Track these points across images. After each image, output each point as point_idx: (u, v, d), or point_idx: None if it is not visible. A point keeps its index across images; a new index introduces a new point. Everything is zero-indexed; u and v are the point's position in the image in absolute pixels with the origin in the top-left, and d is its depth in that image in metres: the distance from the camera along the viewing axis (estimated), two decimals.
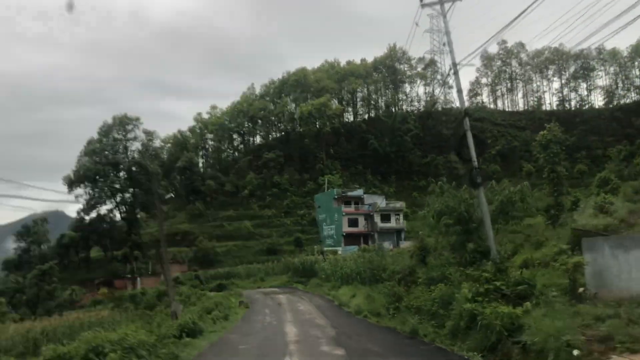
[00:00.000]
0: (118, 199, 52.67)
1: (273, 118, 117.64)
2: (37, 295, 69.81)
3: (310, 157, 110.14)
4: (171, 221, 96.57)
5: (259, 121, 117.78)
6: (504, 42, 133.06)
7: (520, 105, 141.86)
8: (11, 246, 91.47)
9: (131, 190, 52.62)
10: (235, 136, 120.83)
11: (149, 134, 53.35)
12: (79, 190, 49.23)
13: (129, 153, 49.19)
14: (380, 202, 72.91)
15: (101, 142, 49.97)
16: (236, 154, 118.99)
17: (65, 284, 79.78)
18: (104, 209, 53.23)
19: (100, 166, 48.82)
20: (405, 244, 62.62)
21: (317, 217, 77.15)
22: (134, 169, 51.38)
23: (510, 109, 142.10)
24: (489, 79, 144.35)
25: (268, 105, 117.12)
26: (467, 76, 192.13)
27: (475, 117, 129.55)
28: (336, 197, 72.34)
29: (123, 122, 50.44)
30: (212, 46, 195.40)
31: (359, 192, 75.84)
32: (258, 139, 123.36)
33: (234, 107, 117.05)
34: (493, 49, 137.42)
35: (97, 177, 48.20)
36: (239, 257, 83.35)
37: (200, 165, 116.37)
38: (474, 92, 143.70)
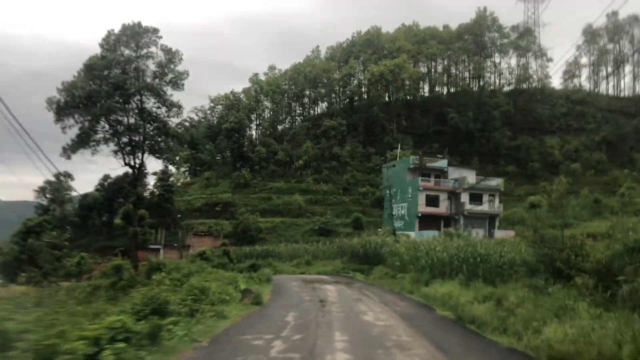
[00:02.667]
0: (126, 139, 38.84)
1: (337, 84, 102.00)
2: (50, 262, 58.57)
3: (378, 128, 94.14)
4: (212, 189, 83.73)
5: (322, 91, 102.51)
6: (614, 13, 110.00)
7: (628, 90, 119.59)
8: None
9: (141, 128, 38.61)
10: (293, 104, 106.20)
11: (170, 53, 38.99)
12: (70, 121, 36.66)
13: (141, 76, 35.96)
14: (470, 177, 56.15)
15: (104, 58, 36.59)
16: (294, 120, 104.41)
17: (83, 251, 68.96)
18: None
19: (99, 87, 35.57)
20: (501, 234, 45.94)
21: (384, 191, 61.52)
22: (146, 100, 38.06)
23: (615, 94, 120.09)
24: (591, 58, 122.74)
25: (332, 68, 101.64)
26: (561, 54, 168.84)
27: (573, 99, 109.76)
28: (412, 166, 56.18)
29: (135, 34, 36.89)
30: (284, 30, 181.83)
31: (442, 163, 59.39)
32: (319, 108, 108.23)
33: (294, 68, 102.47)
34: (599, 22, 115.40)
35: (93, 100, 34.80)
36: (284, 236, 68.98)
37: (253, 131, 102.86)
38: (570, 74, 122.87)
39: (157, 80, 39.23)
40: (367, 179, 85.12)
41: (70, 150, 37.81)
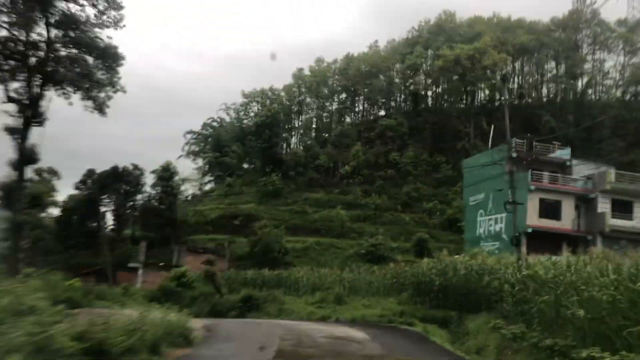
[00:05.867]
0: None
1: (398, 77, 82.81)
2: None
3: (449, 131, 73.80)
4: (233, 199, 65.61)
5: (380, 84, 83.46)
6: None
7: None
8: None
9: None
10: (342, 99, 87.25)
11: None
12: None
13: None
14: (609, 174, 34.88)
15: None
16: (341, 120, 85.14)
17: (55, 270, 51.68)
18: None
19: None
20: None
21: (464, 199, 41.32)
22: None
23: None
24: None
25: (392, 61, 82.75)
26: None
27: None
28: (515, 155, 35.58)
29: None
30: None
31: (563, 152, 38.64)
32: (374, 108, 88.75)
33: (347, 60, 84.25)
34: None
35: None
36: (319, 260, 49.30)
37: (293, 139, 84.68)
38: None
39: None
40: (434, 193, 64.80)
41: None
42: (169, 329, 10.37)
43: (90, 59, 22.87)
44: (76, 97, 22.97)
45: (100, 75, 22.77)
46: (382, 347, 12.80)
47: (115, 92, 23.03)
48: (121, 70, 22.97)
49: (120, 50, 22.89)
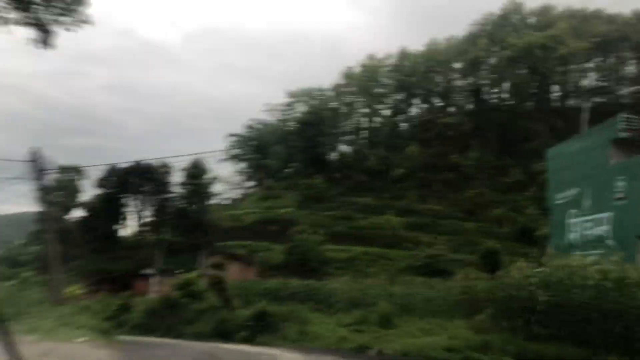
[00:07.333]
0: None
1: (459, 72, 74.53)
2: None
3: (518, 131, 64.67)
4: (271, 202, 58.93)
5: (437, 81, 75.38)
6: None
7: None
8: None
9: None
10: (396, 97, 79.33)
11: None
12: None
13: None
14: None
15: None
16: (395, 122, 76.99)
17: (74, 277, 47.12)
18: None
19: None
20: None
21: (549, 196, 32.73)
22: None
23: None
24: None
25: (452, 57, 74.53)
26: None
27: None
28: (624, 136, 26.80)
29: None
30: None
31: None
32: (431, 106, 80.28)
33: (402, 56, 76.60)
34: None
35: None
36: (365, 272, 41.59)
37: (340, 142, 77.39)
38: None
39: None
40: (502, 199, 55.79)
41: None
42: None
43: None
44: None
45: None
46: None
47: (75, 24, 16.48)
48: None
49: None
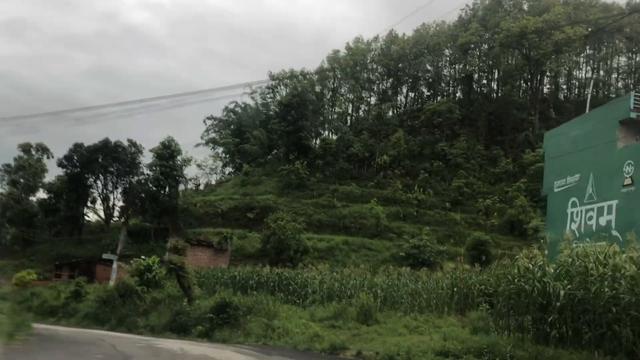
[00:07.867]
0: None
1: (447, 59, 72.01)
2: None
3: (509, 121, 62.49)
4: (249, 188, 55.91)
5: (427, 67, 72.70)
6: None
7: None
8: None
9: None
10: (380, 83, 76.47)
11: None
12: None
13: None
14: None
15: None
16: (380, 104, 73.80)
17: (37, 262, 44.65)
18: None
19: None
20: None
21: (545, 185, 30.23)
22: None
23: None
24: None
25: (442, 43, 71.77)
26: None
27: None
28: (635, 116, 24.34)
29: None
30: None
31: None
32: (417, 94, 77.46)
33: (390, 40, 73.63)
34: None
35: None
36: (346, 262, 38.69)
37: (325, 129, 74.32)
38: None
39: None
40: (490, 190, 53.57)
41: None
42: None
43: None
44: None
45: None
46: None
47: None
48: None
49: None
